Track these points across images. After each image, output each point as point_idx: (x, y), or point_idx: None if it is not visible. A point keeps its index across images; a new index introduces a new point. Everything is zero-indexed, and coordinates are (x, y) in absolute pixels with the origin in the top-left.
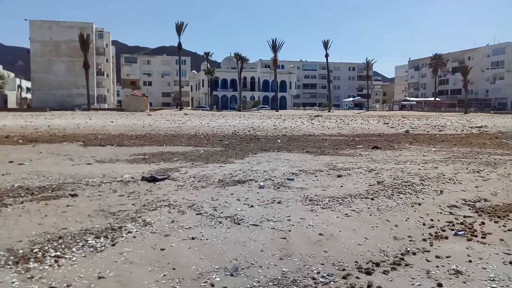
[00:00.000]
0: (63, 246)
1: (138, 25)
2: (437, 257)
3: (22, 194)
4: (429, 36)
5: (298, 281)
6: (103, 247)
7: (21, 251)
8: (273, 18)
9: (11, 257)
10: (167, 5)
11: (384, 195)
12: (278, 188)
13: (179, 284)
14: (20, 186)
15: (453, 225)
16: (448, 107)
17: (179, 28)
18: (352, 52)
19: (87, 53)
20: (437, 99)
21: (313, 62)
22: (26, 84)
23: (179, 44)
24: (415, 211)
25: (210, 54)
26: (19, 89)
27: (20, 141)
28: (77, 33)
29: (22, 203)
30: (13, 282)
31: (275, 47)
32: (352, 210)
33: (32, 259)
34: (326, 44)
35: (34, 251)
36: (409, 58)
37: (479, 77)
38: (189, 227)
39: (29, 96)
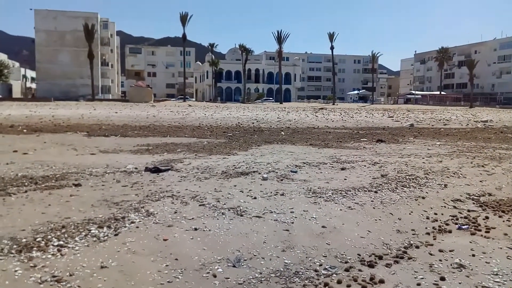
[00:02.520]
0: (66, 235)
1: (143, 16)
2: (440, 251)
3: (26, 184)
4: (436, 30)
5: (301, 273)
6: (106, 237)
7: (24, 240)
8: (278, 10)
9: (14, 246)
10: None
11: (388, 188)
12: (282, 180)
13: (181, 274)
14: (24, 176)
15: (457, 219)
16: (454, 101)
17: (184, 19)
18: (357, 44)
19: (92, 43)
20: (442, 93)
21: (318, 55)
22: (30, 73)
23: (184, 35)
24: (418, 204)
25: (214, 45)
26: (24, 79)
27: (25, 130)
28: (82, 23)
29: (26, 192)
30: (16, 271)
31: (280, 39)
32: (355, 203)
33: (35, 248)
34: (331, 37)
35: (37, 240)
36: (415, 52)
37: (485, 71)
38: (192, 218)
39: (33, 86)
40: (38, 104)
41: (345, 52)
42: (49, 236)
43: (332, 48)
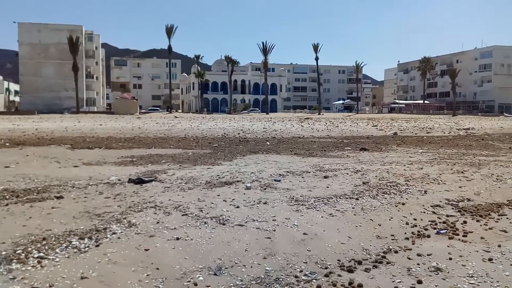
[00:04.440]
0: (46, 247)
1: (128, 28)
2: (418, 255)
3: (7, 197)
4: (418, 40)
5: (281, 279)
6: (87, 248)
7: (4, 253)
8: (263, 22)
9: None
10: (158, 8)
11: (369, 195)
12: (265, 189)
13: (162, 283)
14: (5, 189)
15: (436, 224)
16: (437, 109)
17: (169, 31)
18: (342, 55)
19: (77, 55)
20: (425, 101)
21: (303, 65)
22: (14, 87)
23: (169, 47)
24: (399, 210)
25: (200, 57)
26: (7, 92)
27: (7, 144)
28: (66, 36)
29: (7, 205)
30: None
31: (265, 50)
32: (336, 210)
33: (14, 260)
34: (316, 48)
35: (17, 252)
36: (398, 61)
37: (467, 80)
38: (174, 228)
39: (17, 99)
40: (22, 118)
41: (330, 62)
42: (30, 248)
43: (317, 59)
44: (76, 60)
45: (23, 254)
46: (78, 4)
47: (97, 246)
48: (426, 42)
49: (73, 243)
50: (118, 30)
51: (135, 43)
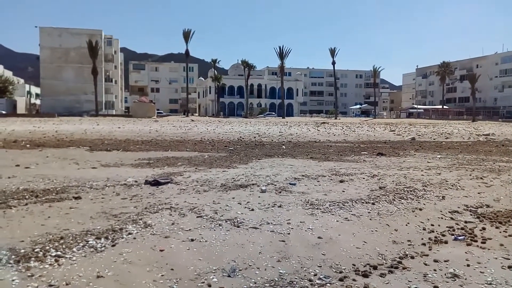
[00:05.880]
0: (64, 246)
1: (147, 33)
2: (435, 261)
3: (27, 197)
4: (437, 44)
5: (295, 282)
6: (103, 248)
7: (22, 251)
8: (280, 26)
9: (13, 256)
10: (176, 13)
11: (385, 200)
12: (280, 192)
13: (176, 284)
14: (25, 189)
15: (454, 230)
16: (456, 115)
17: (187, 36)
18: (359, 59)
19: (96, 59)
20: (444, 107)
21: (320, 70)
22: (35, 90)
23: (187, 51)
24: (415, 216)
25: (217, 61)
26: (29, 95)
27: (28, 145)
28: (86, 40)
29: (26, 205)
30: (13, 280)
31: (282, 55)
32: (352, 214)
33: (33, 258)
34: (333, 52)
35: (35, 250)
36: (417, 66)
37: (487, 85)
38: (189, 229)
39: (38, 102)
40: (42, 120)
41: (347, 67)
42: (47, 247)
43: (333, 63)
44: (95, 64)
45: (41, 253)
46: (98, 9)
47: (113, 246)
48: (445, 47)
49: (90, 242)
50: (136, 35)
51: (153, 47)
